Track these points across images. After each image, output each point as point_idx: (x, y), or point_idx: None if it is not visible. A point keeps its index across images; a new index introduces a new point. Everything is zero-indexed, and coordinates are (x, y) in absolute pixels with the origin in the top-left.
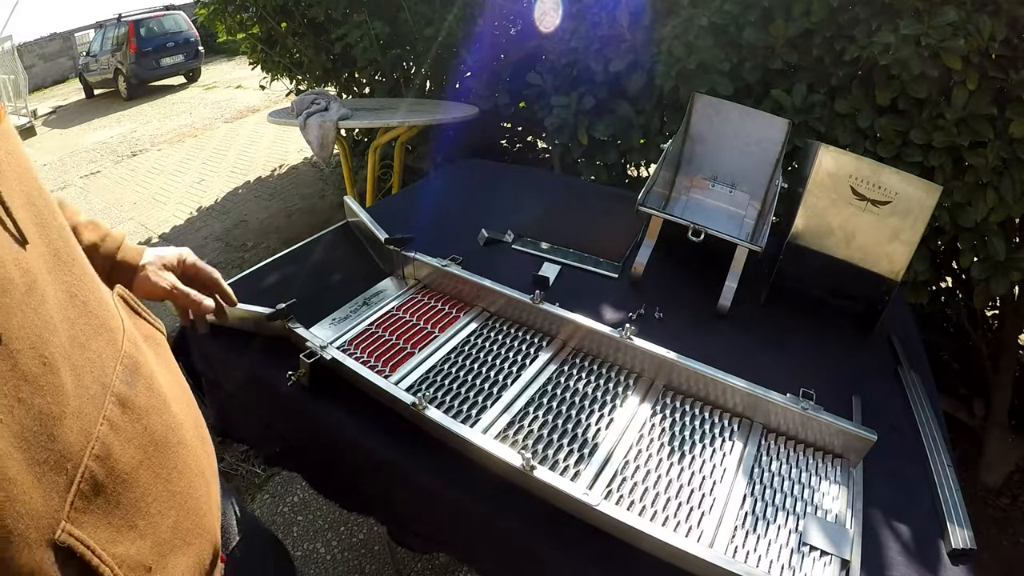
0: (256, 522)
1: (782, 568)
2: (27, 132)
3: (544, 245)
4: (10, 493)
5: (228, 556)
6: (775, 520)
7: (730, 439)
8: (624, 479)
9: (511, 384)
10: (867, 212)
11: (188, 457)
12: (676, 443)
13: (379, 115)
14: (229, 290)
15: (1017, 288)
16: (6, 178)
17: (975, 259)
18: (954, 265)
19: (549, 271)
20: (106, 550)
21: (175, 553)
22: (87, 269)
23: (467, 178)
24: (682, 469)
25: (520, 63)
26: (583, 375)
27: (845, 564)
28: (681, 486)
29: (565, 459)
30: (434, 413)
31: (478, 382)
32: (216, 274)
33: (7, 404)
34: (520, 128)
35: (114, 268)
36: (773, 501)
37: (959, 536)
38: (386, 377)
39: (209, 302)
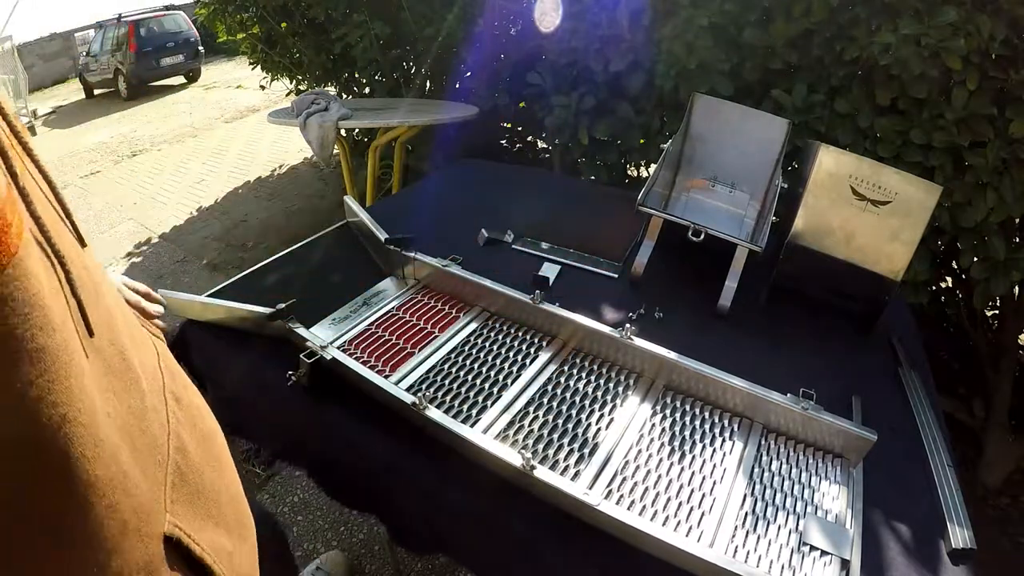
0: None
1: (782, 568)
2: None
3: (544, 245)
4: (126, 487)
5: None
6: (775, 520)
7: (730, 439)
8: (624, 479)
9: (511, 384)
10: (867, 212)
11: (224, 451)
12: (676, 443)
13: (379, 115)
14: (157, 296)
15: (1017, 288)
16: (60, 190)
17: (975, 259)
18: (954, 265)
19: (549, 271)
20: (200, 538)
21: (241, 540)
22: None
23: (467, 178)
24: (682, 469)
25: (520, 63)
26: (583, 375)
27: (845, 564)
28: (681, 486)
29: (565, 459)
30: (434, 413)
31: (478, 382)
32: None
33: (107, 398)
34: (520, 128)
35: None
36: (773, 501)
37: (959, 536)
38: (386, 377)
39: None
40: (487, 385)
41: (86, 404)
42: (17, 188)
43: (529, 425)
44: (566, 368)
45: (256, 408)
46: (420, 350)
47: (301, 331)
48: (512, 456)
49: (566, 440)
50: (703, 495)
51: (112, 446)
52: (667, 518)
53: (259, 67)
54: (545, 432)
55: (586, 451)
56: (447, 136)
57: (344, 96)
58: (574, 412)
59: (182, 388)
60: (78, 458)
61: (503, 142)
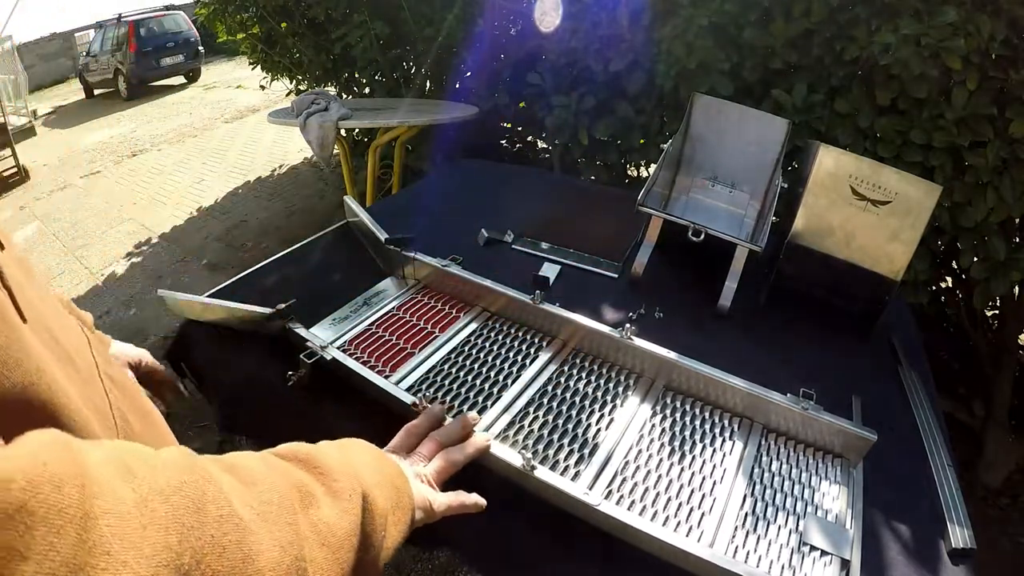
0: None
1: (782, 568)
2: (27, 132)
3: (544, 245)
4: (90, 432)
5: None
6: (775, 520)
7: (730, 439)
8: (624, 479)
9: (511, 384)
10: (867, 212)
11: (162, 429)
12: (676, 443)
13: (379, 115)
14: (181, 388)
15: (1017, 288)
16: None
17: (975, 259)
18: (954, 265)
19: (549, 271)
20: None
21: None
22: (41, 280)
23: (467, 178)
24: (682, 469)
25: (520, 63)
26: (583, 375)
27: (845, 564)
28: (681, 486)
29: (565, 459)
30: None
31: (478, 382)
32: (168, 376)
33: (64, 369)
34: (520, 128)
35: None
36: (773, 501)
37: (959, 536)
38: (386, 377)
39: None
40: (487, 385)
41: (44, 363)
42: None
43: (529, 425)
44: (566, 368)
45: (256, 408)
46: (420, 350)
47: (301, 331)
48: (512, 456)
49: (566, 440)
50: (703, 495)
51: (74, 400)
52: (667, 518)
53: (259, 67)
54: (545, 432)
55: (586, 451)
56: (447, 136)
57: (344, 96)
58: (574, 412)
59: (117, 370)
60: (58, 404)
61: (503, 142)
